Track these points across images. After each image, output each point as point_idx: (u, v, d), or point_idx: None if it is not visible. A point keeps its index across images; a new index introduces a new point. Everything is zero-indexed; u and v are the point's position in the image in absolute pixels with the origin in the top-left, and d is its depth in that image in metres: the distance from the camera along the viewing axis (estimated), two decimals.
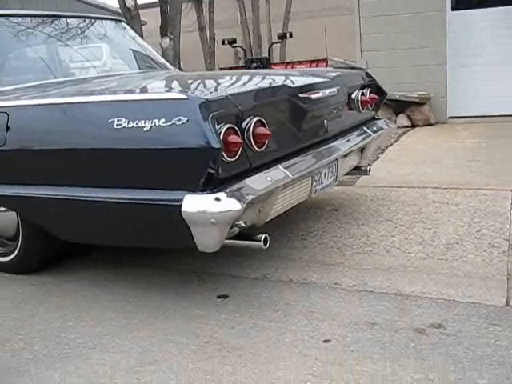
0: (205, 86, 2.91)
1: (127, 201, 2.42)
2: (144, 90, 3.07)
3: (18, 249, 3.15)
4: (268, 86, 2.98)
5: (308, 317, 2.48)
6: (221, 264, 3.10)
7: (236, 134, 2.33)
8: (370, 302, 2.59)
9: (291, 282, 2.85)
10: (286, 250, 3.27)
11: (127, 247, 3.20)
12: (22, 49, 3.87)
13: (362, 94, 3.64)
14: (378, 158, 5.64)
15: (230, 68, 12.49)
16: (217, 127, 2.23)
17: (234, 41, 10.43)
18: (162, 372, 2.13)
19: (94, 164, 2.54)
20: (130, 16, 12.05)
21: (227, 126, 2.30)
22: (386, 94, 4.02)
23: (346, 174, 3.75)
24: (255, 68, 9.88)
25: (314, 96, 2.98)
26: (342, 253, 3.20)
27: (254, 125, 2.43)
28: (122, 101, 2.53)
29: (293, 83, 2.95)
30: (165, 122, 2.26)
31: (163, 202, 2.31)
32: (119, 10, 13.68)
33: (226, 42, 10.29)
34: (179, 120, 2.23)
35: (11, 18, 3.73)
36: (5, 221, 3.18)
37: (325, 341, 2.27)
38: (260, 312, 2.55)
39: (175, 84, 3.15)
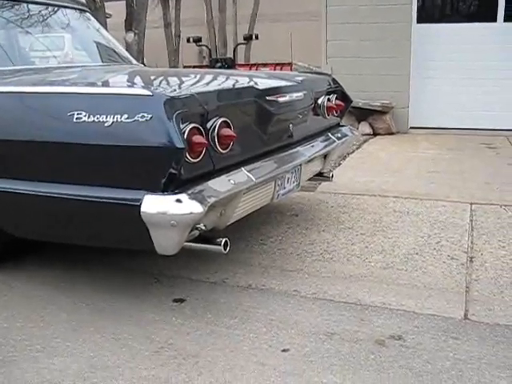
0: (170, 84, 2.82)
1: (84, 198, 2.32)
2: (107, 83, 2.96)
3: None
4: (235, 86, 2.91)
5: (267, 324, 2.42)
6: (179, 266, 3.02)
7: (200, 134, 2.26)
8: (329, 310, 2.55)
9: (250, 288, 2.79)
10: (244, 255, 3.21)
11: (82, 246, 3.09)
12: None
13: (328, 100, 3.61)
14: (339, 164, 5.63)
15: (194, 66, 12.41)
16: (181, 126, 2.15)
17: (200, 39, 10.33)
18: (113, 379, 2.04)
19: (51, 157, 2.42)
20: (94, 7, 11.80)
21: (192, 125, 2.22)
22: (352, 102, 4.00)
23: (308, 180, 3.71)
24: (220, 68, 9.80)
25: (281, 99, 2.93)
26: (301, 259, 3.15)
27: (219, 126, 2.36)
28: (84, 94, 2.42)
29: (260, 85, 2.88)
30: (127, 118, 2.17)
31: (122, 201, 2.22)
32: (83, 0, 13.43)
33: (191, 40, 10.17)
34: (142, 117, 2.14)
35: None
36: None
37: (283, 350, 2.22)
38: (217, 318, 2.48)
39: (140, 79, 3.05)
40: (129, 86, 2.71)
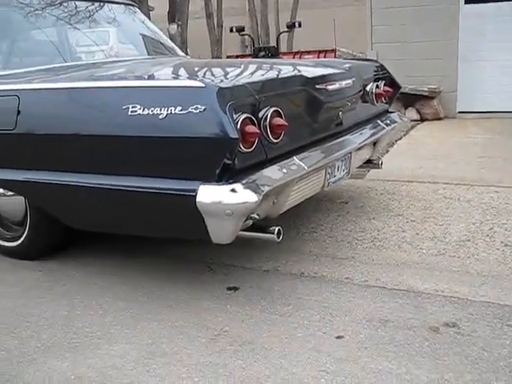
0: (221, 74, 2.85)
1: (140, 189, 2.38)
2: (160, 76, 3.01)
3: (25, 234, 3.12)
4: (285, 75, 2.92)
5: (320, 312, 2.44)
6: (231, 255, 3.06)
7: (253, 124, 2.28)
8: (382, 298, 2.55)
9: (302, 276, 2.81)
10: (296, 243, 3.23)
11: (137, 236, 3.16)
12: (31, 31, 3.81)
13: (377, 86, 3.59)
14: (387, 151, 5.59)
15: (237, 56, 12.40)
16: (234, 116, 2.18)
17: (243, 29, 10.34)
18: (172, 365, 2.09)
19: (107, 151, 2.49)
20: (138, 0, 11.97)
21: (244, 115, 2.25)
22: (400, 88, 3.97)
23: (358, 167, 3.70)
24: (263, 56, 9.80)
25: (330, 87, 2.93)
26: (352, 247, 3.16)
27: (271, 115, 2.38)
28: (138, 87, 2.47)
29: (309, 74, 2.89)
30: (181, 110, 2.20)
31: (177, 192, 2.27)
32: None
33: (234, 29, 10.19)
34: (196, 108, 2.17)
35: (25, 1, 3.67)
36: (12, 206, 3.14)
37: (338, 337, 2.24)
38: (271, 305, 2.51)
39: (191, 71, 3.09)
40: (181, 78, 2.74)
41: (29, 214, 3.05)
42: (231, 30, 10.35)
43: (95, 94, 2.57)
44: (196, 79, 2.44)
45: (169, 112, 2.23)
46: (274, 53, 9.96)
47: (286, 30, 11.03)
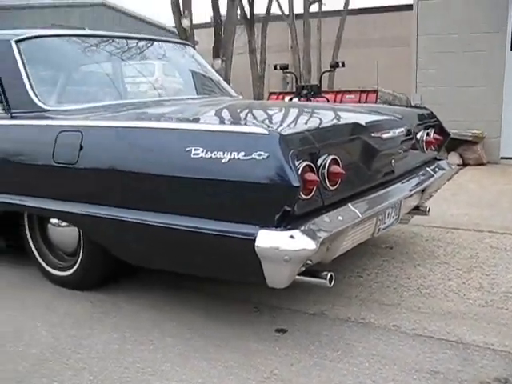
0: (282, 120, 2.93)
1: (199, 230, 2.43)
2: (222, 120, 3.10)
3: (77, 265, 3.20)
4: (342, 123, 2.98)
5: (369, 359, 2.45)
6: (277, 296, 3.08)
7: (312, 171, 2.34)
8: (430, 348, 2.55)
9: (349, 321, 2.83)
10: (342, 287, 3.24)
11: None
12: (91, 67, 3.96)
13: (427, 134, 3.62)
14: (431, 196, 5.57)
15: (280, 93, 12.53)
16: (296, 164, 2.24)
17: (287, 67, 10.46)
18: None
19: (167, 190, 2.56)
20: (185, 36, 12.27)
21: (305, 163, 2.30)
22: (449, 135, 3.99)
23: (407, 214, 3.72)
24: (306, 95, 9.88)
25: (384, 135, 2.98)
26: (398, 293, 3.16)
27: (329, 163, 2.43)
28: (201, 130, 2.54)
29: (365, 121, 2.94)
30: (244, 156, 2.27)
31: (236, 235, 2.32)
32: (174, 30, 13.92)
33: (278, 67, 10.31)
34: (259, 155, 2.24)
35: (83, 38, 3.83)
36: (66, 236, 3.24)
37: None
38: (320, 350, 2.53)
39: (253, 116, 3.17)
40: (245, 124, 2.81)
41: (82, 246, 3.13)
42: (275, 68, 10.48)
43: (158, 135, 2.64)
44: (260, 126, 2.51)
45: (232, 157, 2.30)
46: (316, 91, 10.03)
47: (329, 69, 11.14)
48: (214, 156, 2.34)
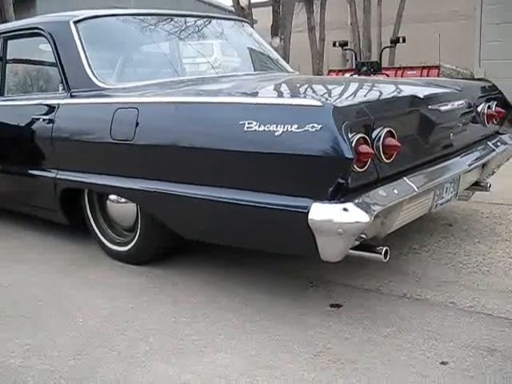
0: (336, 93, 2.88)
1: (252, 203, 2.44)
2: (276, 93, 3.08)
3: (135, 240, 3.26)
4: (398, 95, 2.92)
5: (424, 335, 2.41)
6: (333, 271, 3.07)
7: (367, 144, 2.30)
8: (488, 325, 2.48)
9: (405, 297, 2.79)
10: (398, 263, 3.20)
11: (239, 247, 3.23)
12: (144, 45, 4.00)
13: (489, 107, 3.50)
14: (493, 172, 5.40)
15: (340, 71, 12.40)
16: (350, 136, 2.21)
17: (346, 43, 10.34)
18: (275, 378, 2.13)
19: (221, 164, 2.57)
20: (243, 15, 12.26)
21: (359, 135, 2.27)
22: None
23: (466, 189, 3.63)
24: (366, 71, 9.74)
25: (443, 108, 2.90)
26: (456, 271, 3.09)
27: (384, 135, 2.39)
28: (255, 104, 2.54)
29: (422, 94, 2.87)
30: (297, 128, 2.25)
31: (290, 208, 2.31)
32: (232, 9, 13.91)
33: (337, 44, 10.21)
34: (313, 127, 2.22)
35: (141, 17, 3.87)
36: (125, 212, 3.30)
37: (442, 363, 2.20)
38: (374, 326, 2.51)
39: (307, 89, 3.14)
40: (298, 97, 2.79)
41: (139, 221, 3.19)
42: (334, 45, 10.37)
43: (212, 109, 2.65)
44: (313, 98, 2.48)
45: (285, 129, 2.29)
46: (376, 68, 9.88)
47: (390, 45, 10.92)
48: (267, 129, 2.33)
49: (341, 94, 2.82)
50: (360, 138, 2.27)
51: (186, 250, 3.47)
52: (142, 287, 3.03)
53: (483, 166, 3.52)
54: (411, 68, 11.51)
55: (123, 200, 3.25)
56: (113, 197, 3.34)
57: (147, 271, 3.24)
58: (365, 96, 2.78)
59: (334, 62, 18.28)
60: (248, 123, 2.39)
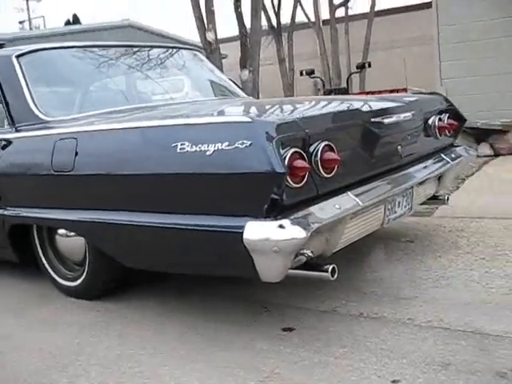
0: (271, 110, 2.84)
1: (190, 227, 2.37)
2: (209, 114, 3.03)
3: (84, 274, 3.17)
4: (337, 109, 2.88)
5: (377, 354, 2.32)
6: (287, 295, 2.98)
7: (302, 158, 2.24)
8: (445, 340, 2.40)
9: (361, 317, 2.70)
10: (357, 283, 3.12)
11: (191, 275, 3.14)
12: (92, 77, 3.91)
13: (440, 119, 3.47)
14: (458, 187, 5.39)
15: None
16: (281, 151, 2.14)
17: (312, 72, 10.42)
18: None
19: (158, 189, 2.50)
20: (210, 49, 12.30)
21: (293, 150, 2.20)
22: (466, 121, 3.82)
23: (424, 204, 3.57)
24: None
25: (386, 121, 2.85)
26: (416, 286, 3.02)
27: (322, 149, 2.33)
28: (185, 124, 2.49)
29: (364, 107, 2.83)
30: (228, 146, 2.19)
31: (225, 229, 2.24)
32: (200, 44, 14.00)
33: (304, 73, 10.30)
34: (242, 143, 2.16)
35: (84, 49, 3.83)
36: (74, 245, 3.21)
37: (393, 381, 2.11)
38: (326, 347, 2.42)
39: (240, 108, 3.10)
40: (228, 115, 2.75)
41: (88, 254, 3.10)
42: (301, 74, 10.46)
43: (146, 133, 2.61)
44: (243, 115, 2.43)
45: (216, 148, 2.22)
46: (344, 94, 9.95)
47: (356, 70, 11.04)
48: (199, 149, 2.27)
49: (277, 111, 2.77)
50: (294, 152, 2.20)
51: (138, 281, 3.36)
52: (91, 322, 2.93)
53: (439, 178, 3.48)
54: (379, 92, 11.58)
55: (72, 233, 3.16)
56: (61, 231, 3.24)
57: (99, 306, 3.14)
58: (302, 112, 2.72)
59: (305, 91, 18.40)
60: (181, 144, 2.33)
